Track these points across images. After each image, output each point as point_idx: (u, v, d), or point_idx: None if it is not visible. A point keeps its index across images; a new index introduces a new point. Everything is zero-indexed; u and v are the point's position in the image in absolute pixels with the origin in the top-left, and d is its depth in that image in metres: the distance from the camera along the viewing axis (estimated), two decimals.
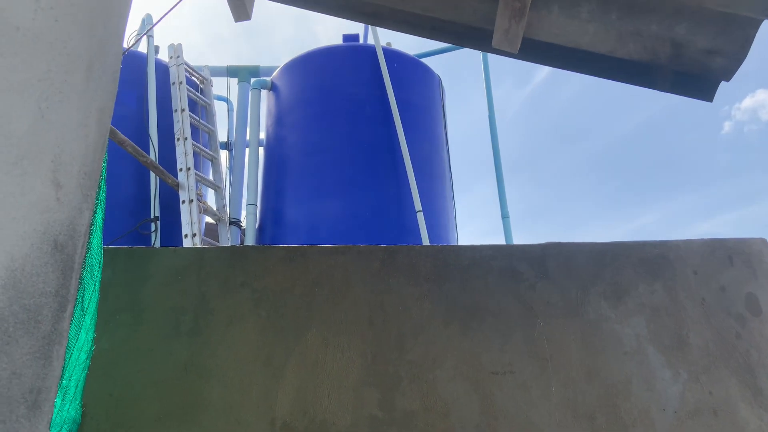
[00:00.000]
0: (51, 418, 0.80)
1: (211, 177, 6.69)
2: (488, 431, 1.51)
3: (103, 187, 0.93)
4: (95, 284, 0.86)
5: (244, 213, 7.08)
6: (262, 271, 1.72)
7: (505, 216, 7.31)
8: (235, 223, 7.01)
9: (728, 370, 1.55)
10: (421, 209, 6.14)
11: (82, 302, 0.82)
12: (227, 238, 6.40)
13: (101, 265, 0.91)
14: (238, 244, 6.19)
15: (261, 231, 6.72)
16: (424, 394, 1.56)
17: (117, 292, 1.68)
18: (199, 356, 1.61)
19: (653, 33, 1.66)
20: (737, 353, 1.57)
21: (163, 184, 5.86)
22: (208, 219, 6.71)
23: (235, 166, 7.18)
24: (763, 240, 1.71)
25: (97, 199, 0.91)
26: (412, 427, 1.53)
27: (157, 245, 5.84)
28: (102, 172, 0.94)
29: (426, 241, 5.83)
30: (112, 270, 1.69)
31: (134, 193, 6.20)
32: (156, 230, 5.99)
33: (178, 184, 5.99)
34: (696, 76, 1.75)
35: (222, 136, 7.80)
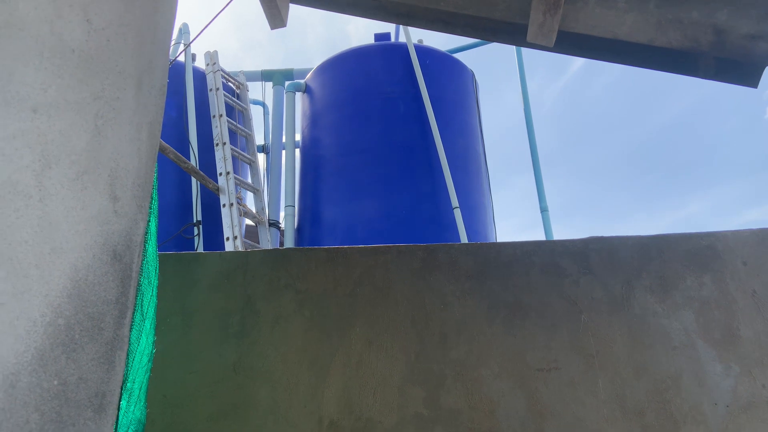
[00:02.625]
0: (115, 420, 0.84)
1: (249, 180, 6.83)
2: (534, 428, 1.51)
3: (155, 196, 0.97)
4: (153, 290, 0.90)
5: (282, 214, 7.21)
6: (305, 272, 1.76)
7: (544, 209, 7.21)
8: (274, 224, 7.14)
9: None
10: (458, 206, 6.12)
11: (141, 307, 0.86)
12: (267, 240, 6.52)
13: (157, 271, 0.95)
14: (278, 246, 6.30)
15: (299, 232, 6.82)
16: (469, 392, 1.57)
17: (167, 296, 1.74)
18: (246, 357, 1.65)
19: (694, 20, 1.62)
20: None
21: (203, 189, 6.01)
22: (248, 221, 6.84)
23: (272, 169, 7.31)
24: None
25: (150, 209, 0.95)
26: (457, 425, 1.53)
27: (200, 249, 6.01)
28: (153, 182, 0.98)
29: (464, 238, 5.82)
30: (162, 275, 1.75)
31: (176, 198, 6.38)
32: (199, 234, 6.16)
33: (218, 189, 6.15)
34: (739, 63, 1.69)
35: (259, 139, 7.94)
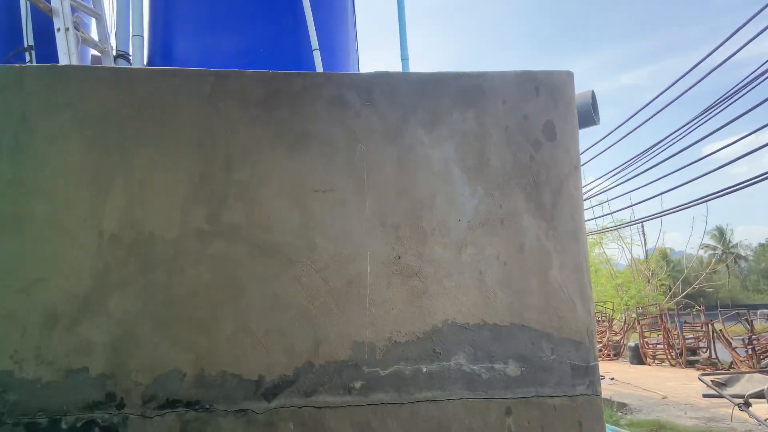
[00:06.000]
0: None
1: (90, 4, 6.11)
2: (305, 240, 1.69)
3: None
4: None
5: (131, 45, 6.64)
6: (87, 91, 1.70)
7: (404, 58, 7.27)
8: (123, 56, 6.58)
9: (518, 188, 1.78)
10: (317, 47, 6.01)
11: None
12: None
13: None
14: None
15: (150, 66, 6.41)
16: (249, 209, 1.69)
17: None
18: (21, 173, 1.62)
19: None
20: (529, 173, 1.79)
21: (36, 10, 5.31)
22: (94, 52, 6.21)
23: None
24: (568, 72, 1.87)
25: None
26: (236, 239, 1.67)
27: None
28: None
29: None
30: None
31: (4, 19, 5.65)
32: (31, 60, 5.57)
33: (51, 10, 5.47)
34: None
35: None
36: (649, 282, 27.59)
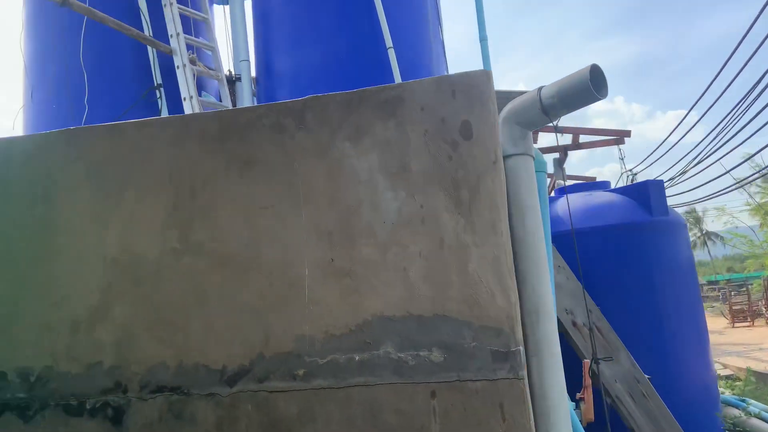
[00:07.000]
0: None
1: (207, 39, 7.04)
2: (254, 250, 1.99)
3: None
4: None
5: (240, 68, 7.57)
6: (91, 146, 2.17)
7: (482, 39, 7.20)
8: (239, 79, 7.53)
9: (438, 187, 1.90)
10: (391, 46, 6.29)
11: None
12: (226, 96, 6.94)
13: None
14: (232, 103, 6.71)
15: (257, 84, 7.27)
16: (210, 229, 2.04)
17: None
18: (50, 215, 2.14)
19: None
20: (447, 172, 1.90)
21: (162, 52, 6.30)
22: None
23: (235, 21, 7.48)
24: (484, 72, 1.93)
25: None
26: (200, 254, 2.03)
27: (164, 111, 6.51)
28: None
29: (398, 78, 6.08)
30: None
31: (136, 62, 6.71)
32: (161, 97, 6.62)
33: (171, 50, 6.46)
34: None
35: None
36: None
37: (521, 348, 1.81)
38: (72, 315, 2.08)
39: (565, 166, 11.33)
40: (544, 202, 3.30)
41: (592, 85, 2.54)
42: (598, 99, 2.60)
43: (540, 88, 2.78)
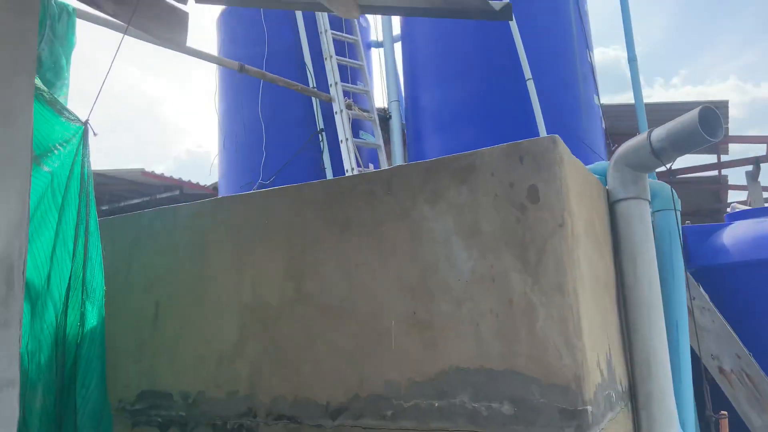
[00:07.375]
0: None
1: (360, 84, 7.84)
2: (351, 299, 2.29)
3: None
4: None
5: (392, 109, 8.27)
6: (231, 211, 2.69)
7: (631, 59, 6.79)
8: (391, 117, 8.23)
9: (507, 248, 2.02)
10: (530, 77, 6.33)
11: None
12: (378, 135, 7.62)
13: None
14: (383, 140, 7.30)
15: (406, 120, 7.89)
16: (317, 281, 2.39)
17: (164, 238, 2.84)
18: (202, 269, 2.69)
19: None
20: (515, 234, 2.01)
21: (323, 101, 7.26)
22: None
23: (387, 65, 8.18)
24: (551, 138, 2.01)
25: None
26: (311, 303, 2.39)
27: (326, 153, 7.39)
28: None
29: (536, 109, 6.11)
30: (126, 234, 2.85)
31: (304, 112, 7.74)
32: (323, 140, 7.54)
33: (330, 98, 7.35)
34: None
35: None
36: None
37: (589, 408, 1.84)
38: (218, 350, 2.58)
39: (759, 179, 9.95)
40: (674, 243, 3.12)
41: (702, 128, 2.42)
42: (710, 142, 2.47)
43: (650, 131, 2.71)
